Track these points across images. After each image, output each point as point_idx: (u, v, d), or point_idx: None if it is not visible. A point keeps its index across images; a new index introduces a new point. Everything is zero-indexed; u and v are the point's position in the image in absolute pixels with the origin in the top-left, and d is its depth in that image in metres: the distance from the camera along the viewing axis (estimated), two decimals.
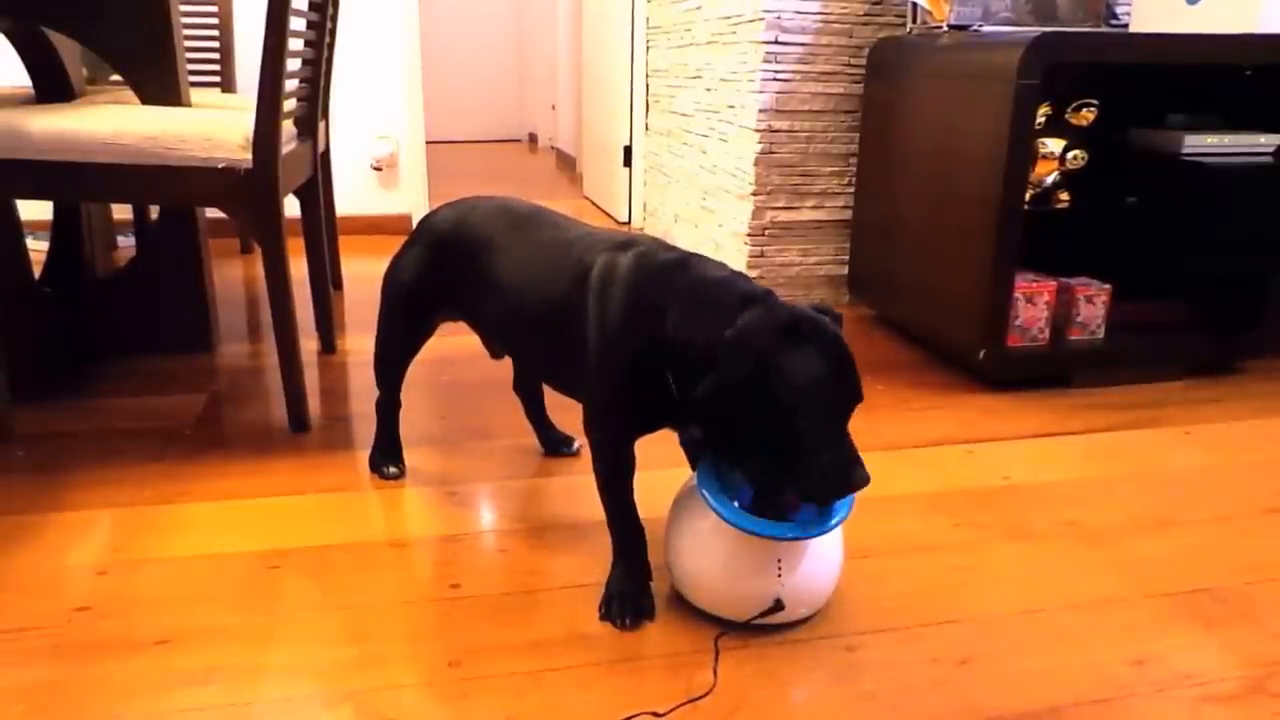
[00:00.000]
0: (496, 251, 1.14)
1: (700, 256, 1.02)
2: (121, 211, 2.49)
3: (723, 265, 1.01)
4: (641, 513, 1.08)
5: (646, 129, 3.43)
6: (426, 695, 0.93)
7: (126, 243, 2.56)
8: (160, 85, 1.73)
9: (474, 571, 1.16)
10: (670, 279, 0.97)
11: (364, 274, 2.71)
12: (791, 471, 0.91)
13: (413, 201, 3.36)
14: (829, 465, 0.90)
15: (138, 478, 1.39)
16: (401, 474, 1.42)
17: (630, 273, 0.99)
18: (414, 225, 3.34)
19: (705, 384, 0.89)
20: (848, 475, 0.90)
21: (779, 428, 0.89)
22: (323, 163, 2.26)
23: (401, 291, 1.27)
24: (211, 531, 1.25)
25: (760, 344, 0.87)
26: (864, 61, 2.27)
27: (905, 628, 1.06)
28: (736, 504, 0.98)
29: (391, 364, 1.36)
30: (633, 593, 1.06)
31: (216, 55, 2.76)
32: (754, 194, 2.34)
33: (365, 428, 1.62)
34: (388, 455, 1.43)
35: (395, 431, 1.43)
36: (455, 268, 1.19)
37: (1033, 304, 1.84)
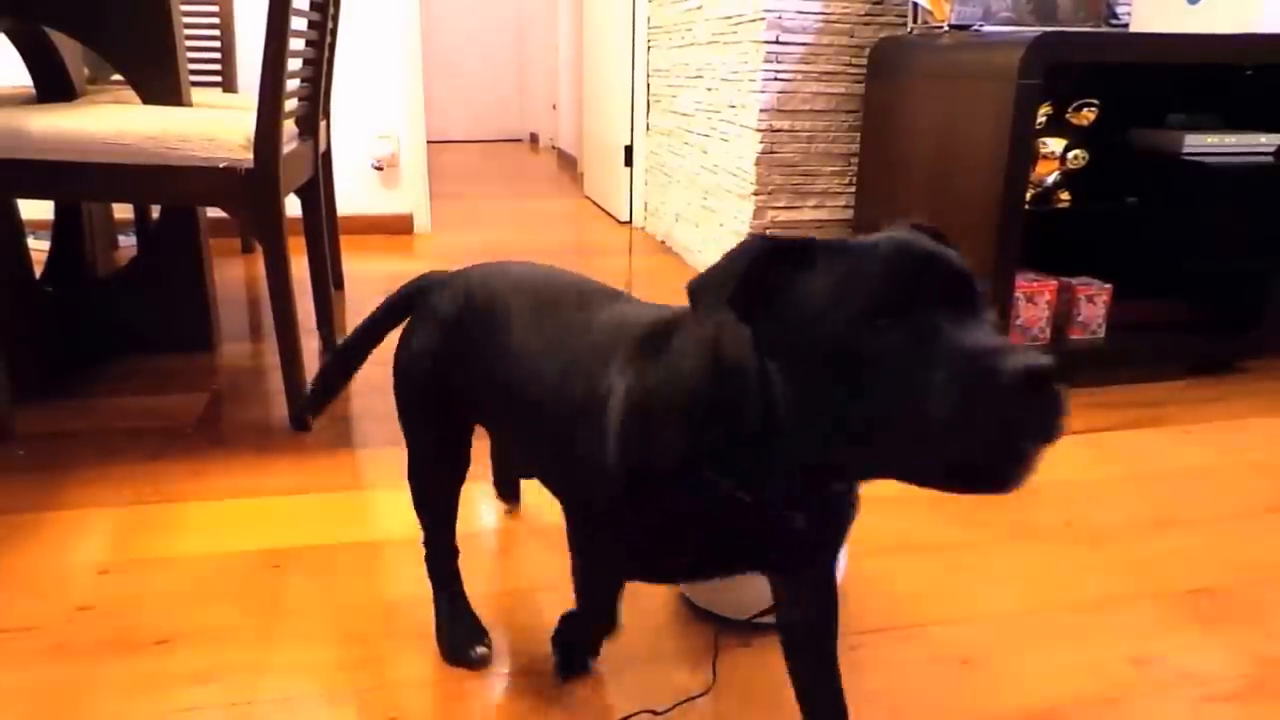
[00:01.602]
0: (511, 339, 0.85)
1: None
2: (123, 211, 2.49)
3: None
4: None
5: (648, 129, 3.43)
6: (427, 695, 0.93)
7: (128, 242, 2.56)
8: (161, 85, 1.73)
9: (474, 571, 1.17)
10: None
11: (365, 273, 2.71)
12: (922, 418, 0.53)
13: (413, 201, 3.36)
14: (963, 365, 0.52)
15: (139, 477, 1.39)
16: (490, 652, 1.00)
17: (647, 397, 0.70)
18: (414, 227, 3.39)
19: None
20: (996, 368, 0.51)
21: (850, 370, 0.55)
22: (324, 162, 2.26)
23: (417, 386, 0.95)
24: (213, 531, 1.25)
25: (740, 266, 0.58)
26: (865, 61, 2.27)
27: (906, 627, 1.06)
28: None
29: (432, 487, 1.01)
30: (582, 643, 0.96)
31: (218, 55, 2.76)
32: (755, 194, 2.34)
33: (366, 428, 1.62)
34: (464, 629, 1.01)
35: (461, 594, 1.04)
36: (464, 355, 0.90)
37: (1034, 303, 1.84)
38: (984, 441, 0.52)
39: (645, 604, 1.10)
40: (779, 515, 0.68)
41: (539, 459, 0.87)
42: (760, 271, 0.58)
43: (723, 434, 0.65)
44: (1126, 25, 2.13)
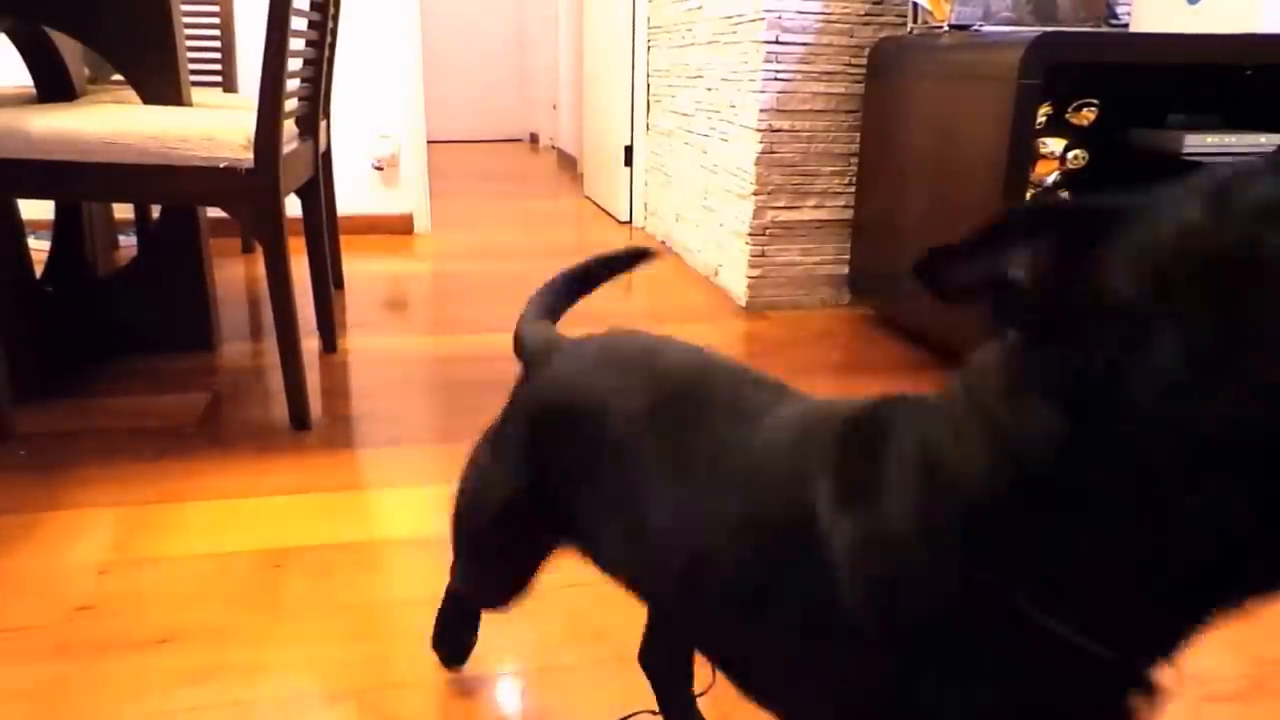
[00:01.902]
0: (633, 445, 0.62)
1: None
2: (123, 210, 2.49)
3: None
4: None
5: (648, 129, 3.43)
6: (427, 694, 0.93)
7: (128, 242, 2.56)
8: (162, 85, 1.73)
9: None
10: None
11: (365, 273, 2.71)
12: None
13: (413, 201, 3.36)
14: None
15: (139, 477, 1.39)
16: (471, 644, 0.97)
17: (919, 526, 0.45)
18: (414, 227, 3.39)
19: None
20: None
21: None
22: (324, 162, 2.26)
23: (483, 512, 0.78)
24: (213, 530, 1.25)
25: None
26: (865, 61, 2.27)
27: None
28: None
29: (486, 602, 0.90)
30: None
31: (218, 55, 2.76)
32: (755, 194, 2.34)
33: (366, 427, 1.62)
34: (457, 633, 0.97)
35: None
36: (562, 461, 0.68)
37: None
38: None
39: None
40: (1138, 674, 0.46)
41: (711, 642, 0.62)
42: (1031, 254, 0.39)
43: (1037, 548, 0.42)
44: (1126, 25, 2.13)
